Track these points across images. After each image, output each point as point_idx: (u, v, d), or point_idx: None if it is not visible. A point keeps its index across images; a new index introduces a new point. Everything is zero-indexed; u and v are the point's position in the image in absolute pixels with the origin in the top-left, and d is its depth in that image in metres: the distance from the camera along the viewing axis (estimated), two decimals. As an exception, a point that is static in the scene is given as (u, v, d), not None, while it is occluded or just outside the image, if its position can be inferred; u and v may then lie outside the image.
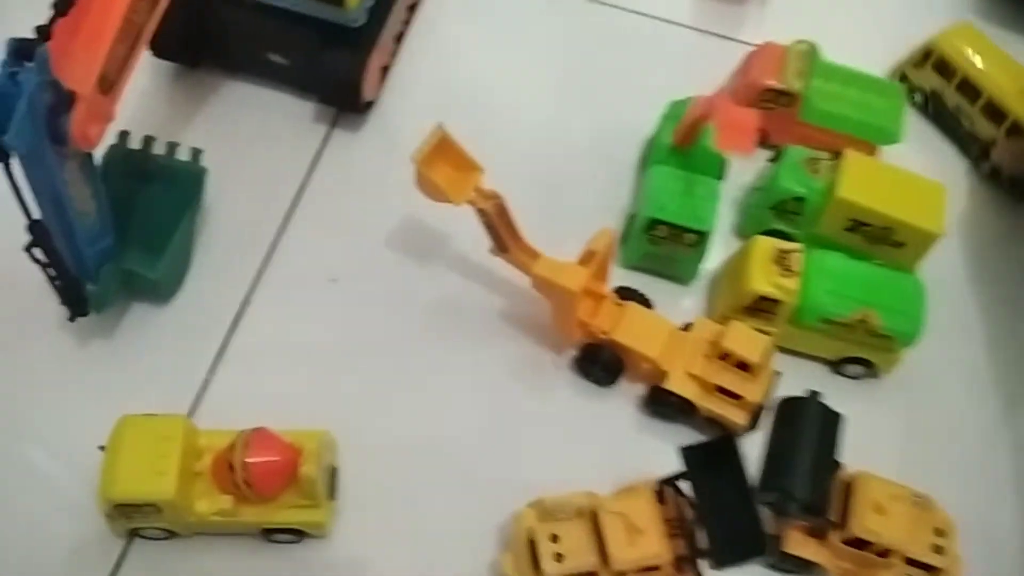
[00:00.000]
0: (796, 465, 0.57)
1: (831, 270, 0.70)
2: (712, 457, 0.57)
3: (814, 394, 0.59)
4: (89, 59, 0.56)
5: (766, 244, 0.71)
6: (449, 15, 0.90)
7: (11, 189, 0.55)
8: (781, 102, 0.79)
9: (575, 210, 0.78)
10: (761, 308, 0.70)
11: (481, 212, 0.67)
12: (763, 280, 0.69)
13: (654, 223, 0.71)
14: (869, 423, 0.71)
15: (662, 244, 0.72)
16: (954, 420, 0.74)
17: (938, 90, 0.86)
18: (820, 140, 0.78)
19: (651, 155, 0.77)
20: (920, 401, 0.74)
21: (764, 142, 0.81)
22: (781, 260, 0.70)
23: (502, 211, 0.67)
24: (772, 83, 0.79)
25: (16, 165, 0.55)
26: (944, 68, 0.85)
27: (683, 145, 0.74)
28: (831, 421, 0.59)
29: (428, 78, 0.85)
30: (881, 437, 0.71)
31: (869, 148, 0.80)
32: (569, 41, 0.89)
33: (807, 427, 0.58)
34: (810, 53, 0.80)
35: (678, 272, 0.76)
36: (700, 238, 0.71)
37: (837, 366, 0.74)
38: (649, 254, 0.74)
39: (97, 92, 0.57)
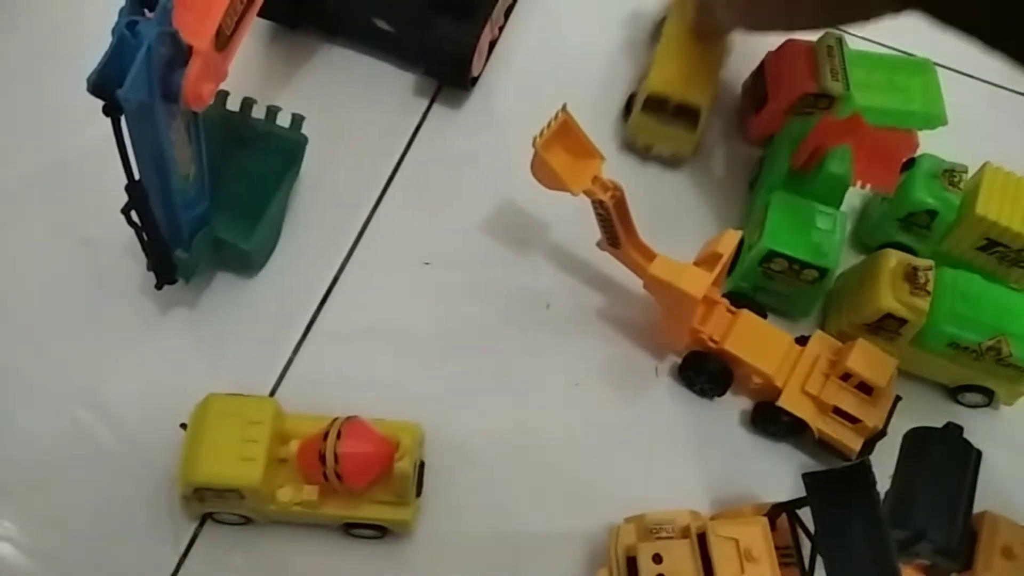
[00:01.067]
0: (931, 502, 0.52)
1: (964, 291, 0.65)
2: (840, 485, 0.52)
3: (955, 427, 0.54)
4: (209, 11, 0.53)
5: (897, 258, 0.66)
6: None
7: (117, 146, 0.51)
8: (820, 106, 0.73)
9: (680, 209, 0.74)
10: (885, 326, 0.65)
11: (598, 204, 0.62)
12: (892, 297, 0.64)
13: (772, 255, 0.66)
14: (988, 456, 0.66)
15: (777, 278, 0.67)
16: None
17: None
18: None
19: (767, 177, 0.72)
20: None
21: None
22: (912, 277, 0.65)
23: (621, 204, 0.63)
24: (810, 88, 0.72)
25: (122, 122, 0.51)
26: None
27: (803, 170, 0.69)
28: (969, 457, 0.54)
29: (533, 54, 0.81)
30: (999, 471, 0.66)
31: (913, 136, 0.73)
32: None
33: (943, 462, 0.53)
34: (839, 46, 0.74)
35: (790, 308, 0.70)
36: (822, 275, 0.66)
37: (955, 393, 0.69)
38: (761, 287, 0.69)
39: (213, 48, 0.53)
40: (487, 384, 0.67)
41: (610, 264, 0.69)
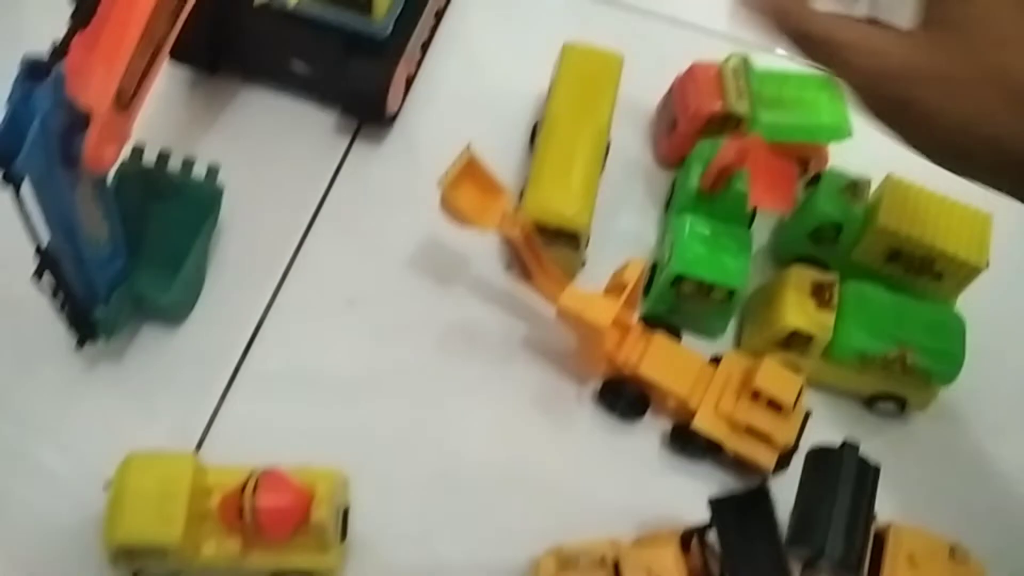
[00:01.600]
0: (830, 520, 0.54)
1: (868, 304, 0.68)
2: (743, 508, 0.54)
3: (849, 445, 0.56)
4: (107, 74, 0.53)
5: (802, 275, 0.68)
6: (472, 23, 0.87)
7: (20, 215, 0.52)
8: (729, 126, 0.75)
9: (598, 232, 0.75)
10: (794, 342, 0.67)
11: (508, 240, 0.64)
12: (798, 314, 0.66)
13: (680, 279, 0.68)
14: (900, 463, 0.68)
15: (689, 300, 0.69)
16: (989, 459, 0.71)
17: None
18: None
19: (677, 199, 0.74)
20: (954, 439, 0.72)
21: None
22: (818, 293, 0.67)
23: (530, 239, 0.65)
24: (717, 108, 0.74)
25: (25, 189, 0.52)
26: None
27: (711, 191, 0.71)
28: (867, 473, 0.56)
29: (451, 89, 0.82)
30: (912, 478, 0.69)
31: (822, 150, 0.77)
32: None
33: (841, 479, 0.55)
34: (744, 67, 0.76)
35: (704, 327, 0.72)
36: (730, 296, 0.68)
37: (868, 402, 0.72)
38: (675, 309, 0.71)
39: (113, 110, 0.54)
40: (414, 422, 0.68)
41: (529, 291, 0.70)
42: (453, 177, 0.63)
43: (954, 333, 0.68)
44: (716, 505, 0.55)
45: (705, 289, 0.68)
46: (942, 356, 0.67)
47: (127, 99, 0.56)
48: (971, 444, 0.72)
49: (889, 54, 0.51)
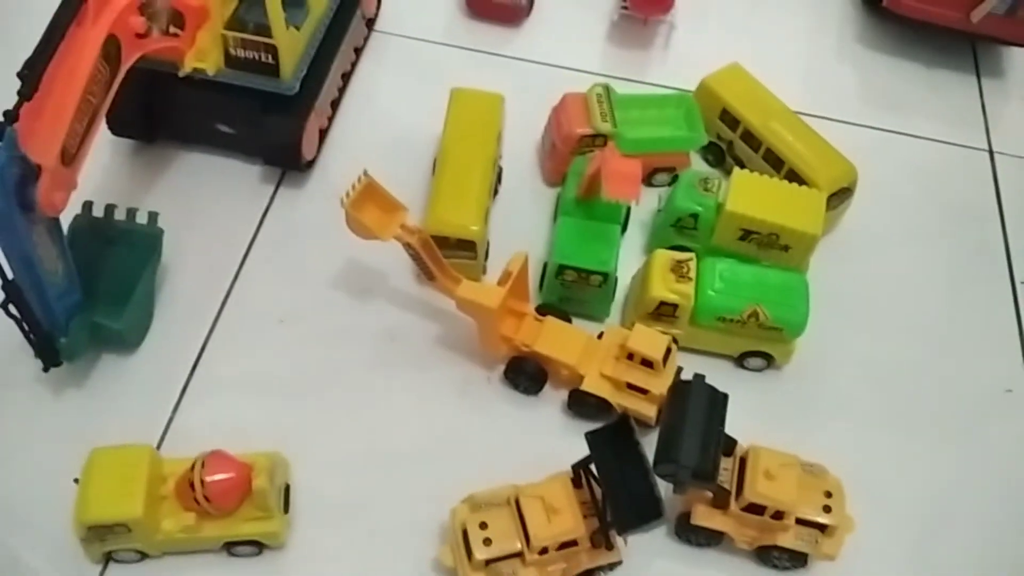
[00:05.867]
0: (684, 438, 0.64)
1: (722, 274, 0.79)
2: (613, 438, 0.64)
3: (698, 377, 0.67)
4: (52, 135, 0.65)
5: (664, 256, 0.80)
6: (377, 81, 1.00)
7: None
8: (597, 144, 0.87)
9: (500, 246, 0.87)
10: (663, 313, 0.78)
11: (407, 246, 0.75)
12: (662, 287, 0.78)
13: (562, 268, 0.80)
14: (770, 410, 0.80)
15: (572, 287, 0.81)
16: (843, 400, 0.83)
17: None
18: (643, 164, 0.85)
19: (561, 208, 0.86)
20: (813, 386, 0.83)
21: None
22: (677, 268, 0.78)
23: (426, 244, 0.76)
24: (584, 130, 0.88)
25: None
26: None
27: (586, 197, 0.83)
28: (716, 399, 0.67)
29: (361, 137, 0.95)
30: (780, 421, 0.79)
31: (684, 156, 0.91)
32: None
33: (693, 405, 0.66)
34: (606, 93, 0.90)
35: (591, 310, 0.83)
36: (604, 279, 0.80)
37: (740, 361, 0.83)
38: (564, 296, 0.82)
39: (60, 164, 0.66)
40: (347, 415, 0.78)
41: (438, 297, 0.81)
42: (355, 199, 0.74)
43: (798, 291, 0.80)
44: (591, 437, 0.65)
45: (584, 276, 0.79)
46: (789, 311, 0.79)
47: (71, 155, 0.68)
48: (828, 390, 0.84)
49: None
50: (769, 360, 0.82)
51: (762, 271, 0.81)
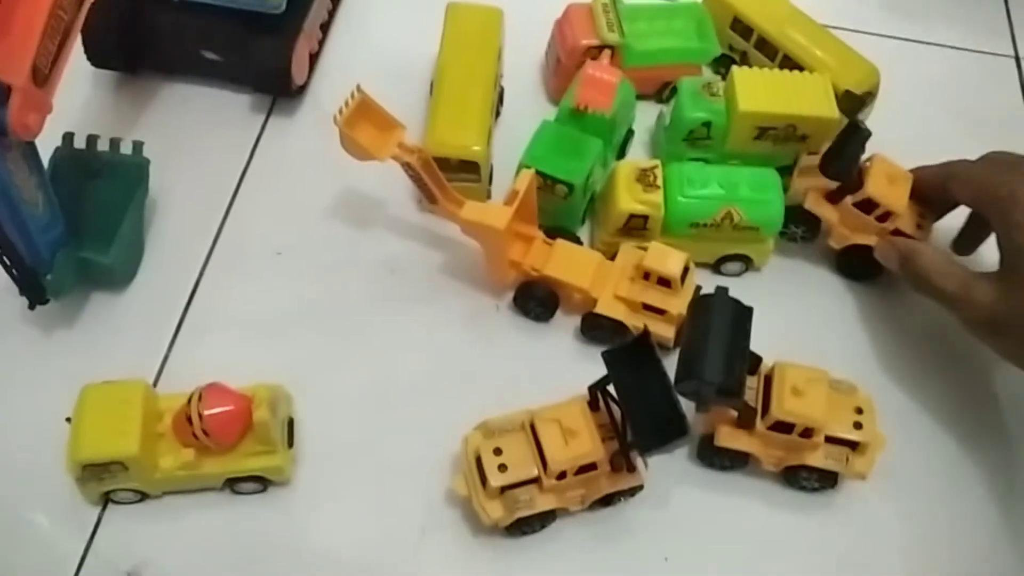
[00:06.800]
0: (707, 353, 0.60)
1: (690, 178, 0.75)
2: (632, 357, 0.61)
3: (721, 289, 0.63)
4: (21, 53, 0.61)
5: (628, 166, 0.75)
6: (372, 2, 0.95)
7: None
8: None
9: (506, 168, 0.83)
10: (634, 226, 0.74)
11: (406, 166, 0.71)
12: (629, 199, 0.73)
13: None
14: (782, 319, 0.75)
15: (539, 194, 0.75)
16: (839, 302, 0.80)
17: None
18: (649, 77, 0.83)
19: (557, 118, 0.81)
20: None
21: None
22: (643, 177, 0.74)
23: (427, 163, 0.72)
24: (590, 41, 0.82)
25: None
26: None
27: (581, 110, 0.77)
28: (740, 312, 0.63)
29: (354, 60, 0.90)
30: (779, 323, 0.73)
31: (696, 69, 0.86)
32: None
33: (716, 320, 0.62)
34: (612, 3, 0.85)
35: (563, 221, 0.78)
36: (570, 190, 0.74)
37: (717, 267, 0.79)
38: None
39: (31, 84, 0.61)
40: (350, 348, 0.75)
41: (442, 224, 0.77)
42: (348, 116, 0.70)
43: (771, 186, 0.75)
44: (608, 356, 0.62)
45: (549, 184, 0.74)
46: (764, 207, 0.74)
47: (44, 75, 0.63)
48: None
49: (982, 306, 0.66)
50: (747, 263, 0.78)
51: (731, 170, 0.76)
